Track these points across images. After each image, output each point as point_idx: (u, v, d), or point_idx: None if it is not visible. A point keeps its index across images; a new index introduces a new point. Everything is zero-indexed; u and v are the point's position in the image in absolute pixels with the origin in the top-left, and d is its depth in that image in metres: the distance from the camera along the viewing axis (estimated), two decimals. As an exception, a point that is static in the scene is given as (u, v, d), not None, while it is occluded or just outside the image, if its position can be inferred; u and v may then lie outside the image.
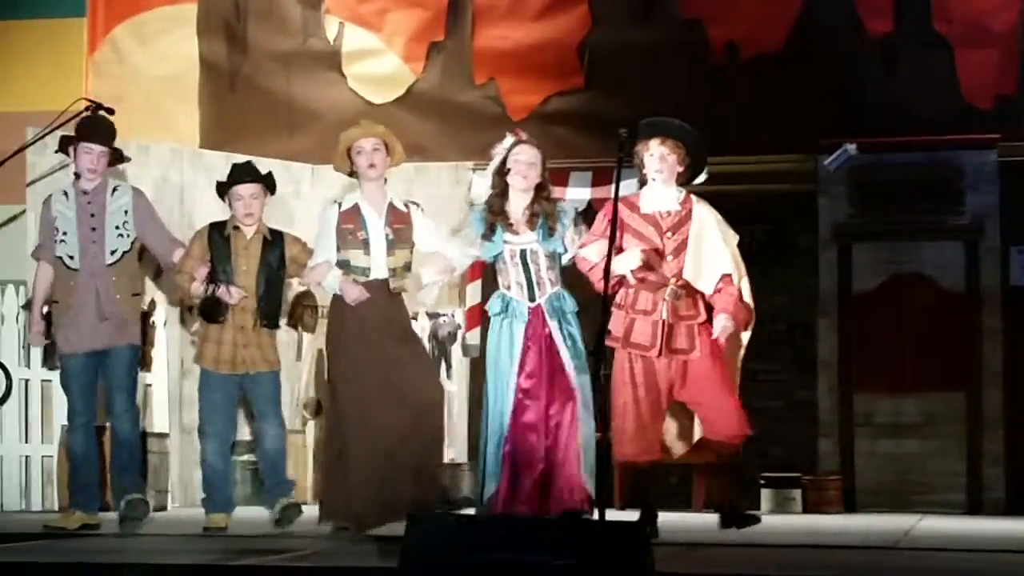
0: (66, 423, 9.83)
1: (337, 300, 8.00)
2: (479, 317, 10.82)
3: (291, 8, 12.20)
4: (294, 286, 8.46)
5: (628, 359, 7.60)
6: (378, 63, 12.12)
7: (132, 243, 8.29)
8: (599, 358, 6.47)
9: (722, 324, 7.56)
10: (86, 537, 7.77)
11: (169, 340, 10.26)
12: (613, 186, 6.99)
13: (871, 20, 11.41)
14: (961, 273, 10.92)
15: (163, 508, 9.78)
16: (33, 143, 9.56)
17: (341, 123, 11.88)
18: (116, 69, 12.21)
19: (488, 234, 7.79)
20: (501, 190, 7.82)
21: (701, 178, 7.79)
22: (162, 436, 10.03)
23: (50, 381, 10.12)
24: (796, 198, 11.13)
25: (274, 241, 8.28)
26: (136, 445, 8.44)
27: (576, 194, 10.70)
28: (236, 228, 8.24)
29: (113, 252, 8.23)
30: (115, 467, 8.43)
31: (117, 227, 8.25)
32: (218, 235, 8.25)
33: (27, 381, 10.20)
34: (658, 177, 7.65)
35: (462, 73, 11.92)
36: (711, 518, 7.77)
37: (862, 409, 10.97)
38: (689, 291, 7.60)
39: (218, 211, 10.09)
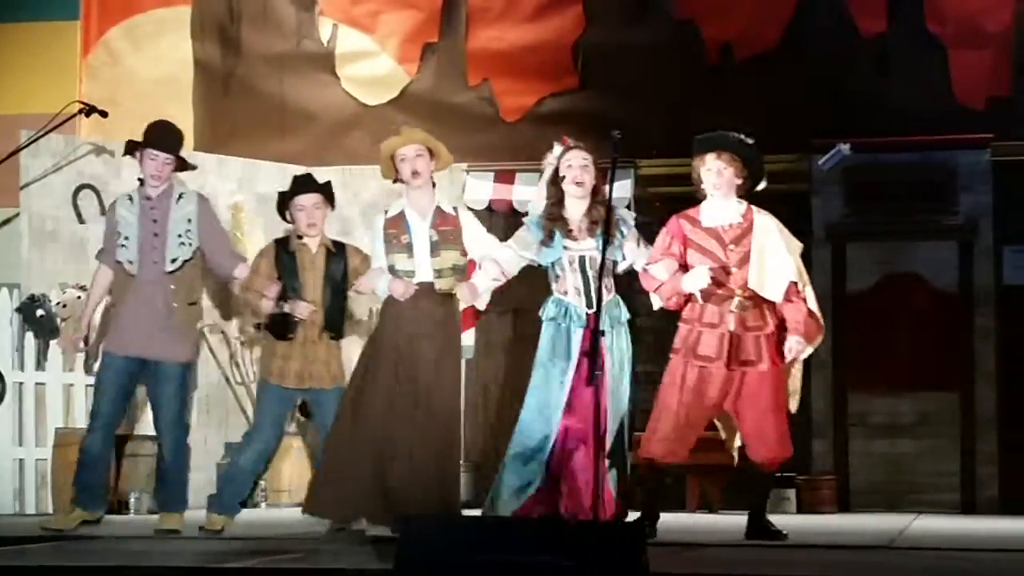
0: (62, 426, 9.88)
1: (385, 304, 7.96)
2: (473, 319, 10.82)
3: (285, 10, 12.20)
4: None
5: (683, 365, 7.60)
6: (372, 65, 12.12)
7: (194, 252, 8.24)
8: (594, 359, 6.46)
9: (795, 347, 7.56)
10: (85, 540, 7.75)
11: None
12: (608, 187, 6.98)
13: (864, 20, 11.43)
14: (955, 273, 10.93)
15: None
16: (27, 146, 9.56)
17: (335, 125, 11.94)
18: (110, 72, 12.21)
19: (547, 240, 7.68)
20: (557, 199, 7.72)
21: (761, 185, 7.78)
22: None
23: (43, 384, 10.11)
24: (790, 198, 11.10)
25: (337, 253, 8.26)
26: (179, 465, 8.27)
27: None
28: (301, 241, 8.22)
29: (174, 260, 8.14)
30: (157, 480, 8.44)
31: (180, 235, 8.16)
32: (283, 251, 8.22)
33: (21, 384, 10.18)
34: (716, 192, 7.64)
35: (456, 74, 11.92)
36: (705, 518, 7.78)
37: (856, 409, 10.99)
38: (756, 301, 7.57)
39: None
